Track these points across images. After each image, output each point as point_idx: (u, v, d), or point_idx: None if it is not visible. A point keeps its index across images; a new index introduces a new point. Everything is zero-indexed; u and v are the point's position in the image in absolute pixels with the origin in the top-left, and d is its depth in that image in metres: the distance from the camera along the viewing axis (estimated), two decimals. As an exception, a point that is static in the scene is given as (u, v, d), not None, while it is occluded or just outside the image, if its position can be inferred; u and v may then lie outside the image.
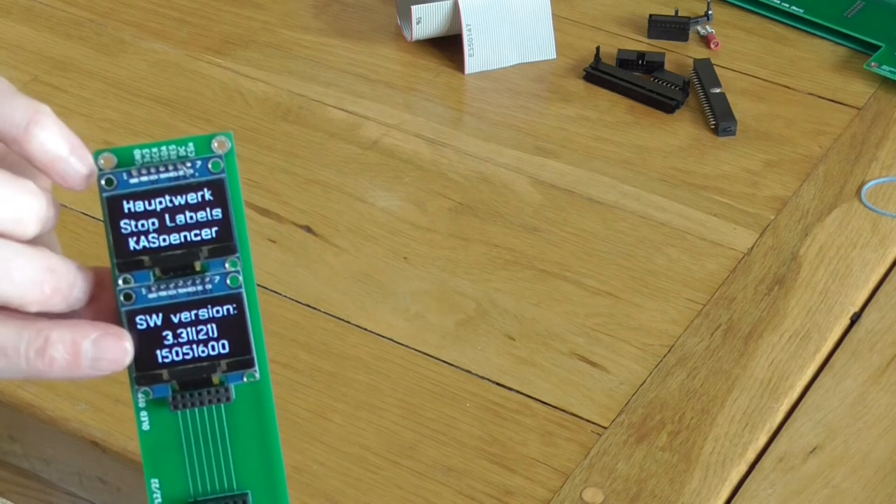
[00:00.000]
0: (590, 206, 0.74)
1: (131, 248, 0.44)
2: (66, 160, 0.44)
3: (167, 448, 0.46)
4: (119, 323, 0.45)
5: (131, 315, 0.45)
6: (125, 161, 0.45)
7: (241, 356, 0.45)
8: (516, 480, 0.60)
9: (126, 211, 0.44)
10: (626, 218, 0.73)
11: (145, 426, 0.46)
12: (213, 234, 0.45)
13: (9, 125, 0.44)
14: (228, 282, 0.45)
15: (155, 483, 0.46)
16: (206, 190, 0.45)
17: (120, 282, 0.45)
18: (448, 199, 0.74)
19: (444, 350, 0.66)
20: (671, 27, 0.85)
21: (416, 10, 0.82)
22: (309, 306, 0.68)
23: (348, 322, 0.67)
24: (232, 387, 0.45)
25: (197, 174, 0.45)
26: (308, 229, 0.72)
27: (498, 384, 0.64)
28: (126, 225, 0.44)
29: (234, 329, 0.45)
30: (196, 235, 0.45)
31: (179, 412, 0.45)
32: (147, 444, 0.46)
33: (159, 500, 0.46)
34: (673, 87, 0.80)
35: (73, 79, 0.82)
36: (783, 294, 0.68)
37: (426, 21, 0.83)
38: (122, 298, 0.45)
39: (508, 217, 0.73)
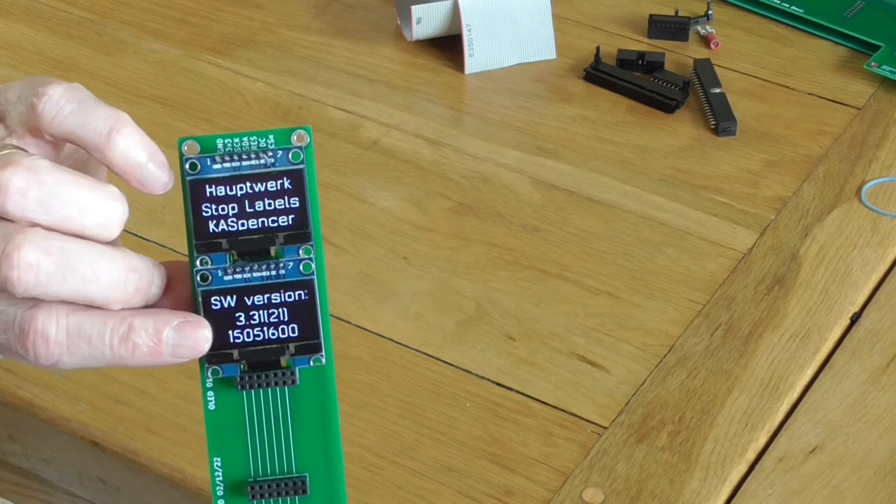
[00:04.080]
0: (590, 206, 0.74)
1: (210, 230, 0.46)
2: (145, 167, 0.46)
3: (231, 428, 0.47)
4: (193, 307, 0.46)
5: (207, 296, 0.46)
6: (207, 149, 0.46)
7: (309, 340, 0.47)
8: (516, 480, 0.60)
9: (208, 195, 0.46)
10: (626, 218, 0.73)
11: (211, 405, 0.47)
12: (290, 222, 0.46)
13: (91, 133, 0.46)
14: (302, 268, 0.46)
15: (217, 462, 0.47)
16: (285, 179, 0.46)
17: (197, 263, 0.46)
18: (448, 199, 0.74)
19: (444, 350, 0.66)
20: (671, 27, 0.85)
21: (416, 10, 0.82)
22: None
23: (348, 322, 0.67)
24: (298, 370, 0.47)
25: (277, 163, 0.46)
26: (308, 229, 0.72)
27: (498, 384, 0.64)
28: (207, 208, 0.46)
29: (305, 314, 0.47)
30: (273, 222, 0.46)
31: (245, 392, 0.47)
32: (212, 423, 0.47)
33: (221, 478, 0.47)
34: (673, 87, 0.80)
35: (73, 79, 0.81)
36: (783, 294, 0.68)
37: (426, 21, 0.83)
38: (198, 279, 0.46)
39: (508, 217, 0.73)
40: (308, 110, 0.80)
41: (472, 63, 0.82)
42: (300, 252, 0.46)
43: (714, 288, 0.69)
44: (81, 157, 0.49)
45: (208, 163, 0.46)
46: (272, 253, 0.46)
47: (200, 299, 0.46)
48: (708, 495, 0.59)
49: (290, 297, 0.46)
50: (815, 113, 0.80)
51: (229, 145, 0.46)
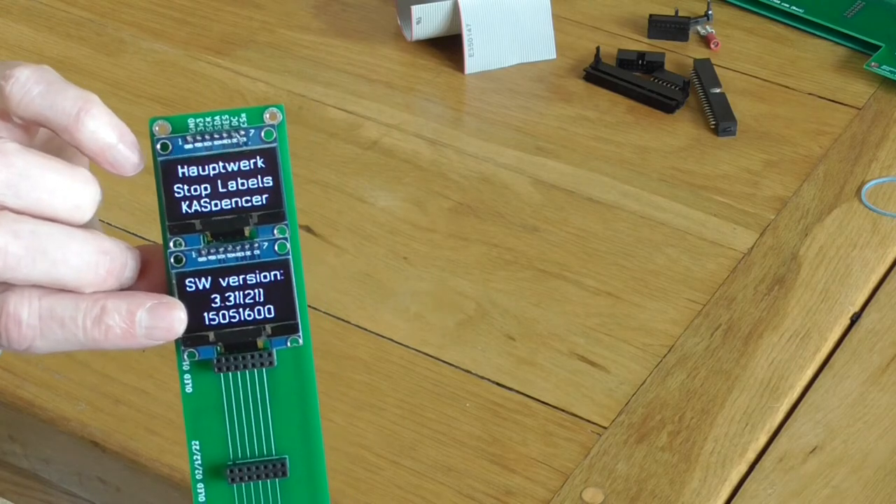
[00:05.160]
0: (590, 206, 0.74)
1: (183, 211, 0.45)
2: (115, 147, 0.46)
3: (209, 411, 0.46)
4: (168, 289, 0.46)
5: (181, 278, 0.46)
6: (179, 129, 0.45)
7: (286, 321, 0.46)
8: (516, 480, 0.60)
9: (180, 175, 0.45)
10: (626, 218, 0.73)
11: (188, 388, 0.46)
12: (264, 201, 0.46)
13: (59, 114, 0.46)
14: (276, 248, 0.46)
15: (196, 445, 0.47)
16: (258, 158, 0.46)
17: (171, 244, 0.46)
18: (448, 199, 0.74)
19: (444, 350, 0.66)
20: (671, 27, 0.85)
21: (416, 10, 0.82)
22: (309, 306, 0.68)
23: (348, 322, 0.67)
24: (275, 352, 0.46)
25: (250, 142, 0.46)
26: (308, 229, 0.72)
27: (498, 384, 0.64)
28: (179, 189, 0.45)
29: (281, 294, 0.46)
30: (247, 202, 0.46)
31: (222, 375, 0.46)
32: (189, 407, 0.46)
33: (199, 461, 0.47)
34: (673, 87, 0.80)
35: (72, 79, 0.81)
36: (783, 294, 0.68)
37: (426, 21, 0.83)
38: (172, 261, 0.46)
39: (508, 217, 0.73)
40: (308, 110, 0.80)
41: (472, 63, 0.82)
42: (275, 232, 0.46)
43: (714, 288, 0.69)
44: (58, 144, 0.48)
45: (180, 143, 0.46)
46: (246, 233, 0.46)
47: (175, 281, 0.46)
48: (708, 495, 0.59)
49: (265, 277, 0.46)
50: (815, 113, 0.80)
51: (201, 124, 0.46)
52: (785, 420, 0.62)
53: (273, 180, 0.46)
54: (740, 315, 0.67)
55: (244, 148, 0.46)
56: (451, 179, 0.75)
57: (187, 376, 0.46)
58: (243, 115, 0.46)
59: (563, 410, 0.63)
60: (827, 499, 0.59)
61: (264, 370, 0.46)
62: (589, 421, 0.63)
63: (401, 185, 0.75)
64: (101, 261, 0.45)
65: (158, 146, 0.45)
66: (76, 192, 0.45)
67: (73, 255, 0.45)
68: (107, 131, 0.46)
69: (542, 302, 0.68)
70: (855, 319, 0.67)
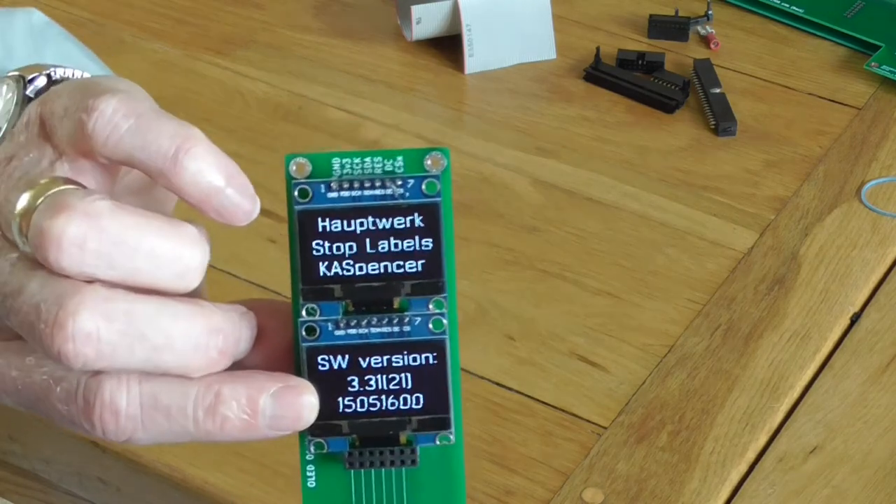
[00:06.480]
0: (590, 206, 0.74)
1: (321, 273, 0.38)
2: (223, 193, 0.39)
3: None
4: (294, 367, 0.39)
5: (312, 353, 0.39)
6: (321, 171, 0.39)
7: (436, 414, 0.39)
8: (516, 480, 0.60)
9: (320, 230, 0.38)
10: (626, 218, 0.73)
11: (311, 483, 0.40)
12: (419, 268, 0.39)
13: (154, 155, 0.38)
14: (431, 325, 0.39)
15: None
16: (416, 215, 0.39)
17: (303, 313, 0.39)
18: (448, 199, 0.74)
19: (444, 350, 0.66)
20: (671, 27, 0.85)
21: (416, 10, 0.82)
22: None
23: (348, 322, 0.67)
24: (419, 449, 0.40)
25: (408, 195, 0.39)
26: (308, 229, 0.72)
27: (498, 384, 0.64)
28: (318, 246, 0.38)
29: (432, 381, 0.39)
30: (399, 267, 0.39)
31: (354, 472, 0.40)
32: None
33: None
34: (673, 87, 0.80)
35: (73, 79, 0.82)
36: (783, 294, 0.68)
37: (426, 21, 0.83)
38: (303, 332, 0.39)
39: (508, 217, 0.73)
40: (308, 110, 0.80)
41: (472, 63, 0.82)
42: (430, 306, 0.39)
43: (714, 288, 0.69)
44: (145, 180, 0.42)
45: (322, 189, 0.38)
46: (395, 305, 0.39)
47: (305, 357, 0.39)
48: (708, 495, 0.59)
49: (415, 360, 0.39)
50: (815, 113, 0.80)
51: (347, 167, 0.38)
52: (785, 420, 0.62)
53: (433, 243, 0.39)
54: (740, 315, 0.67)
55: (400, 202, 0.38)
56: (451, 179, 0.75)
57: (310, 468, 0.40)
58: (399, 158, 0.39)
59: (563, 410, 0.63)
60: (827, 499, 0.59)
61: (404, 470, 0.40)
62: (589, 421, 0.63)
63: (401, 185, 0.75)
64: (213, 341, 0.38)
65: (297, 192, 0.38)
66: (181, 257, 0.38)
67: (179, 338, 0.37)
68: (212, 173, 0.38)
69: (542, 302, 0.68)
70: (855, 319, 0.67)
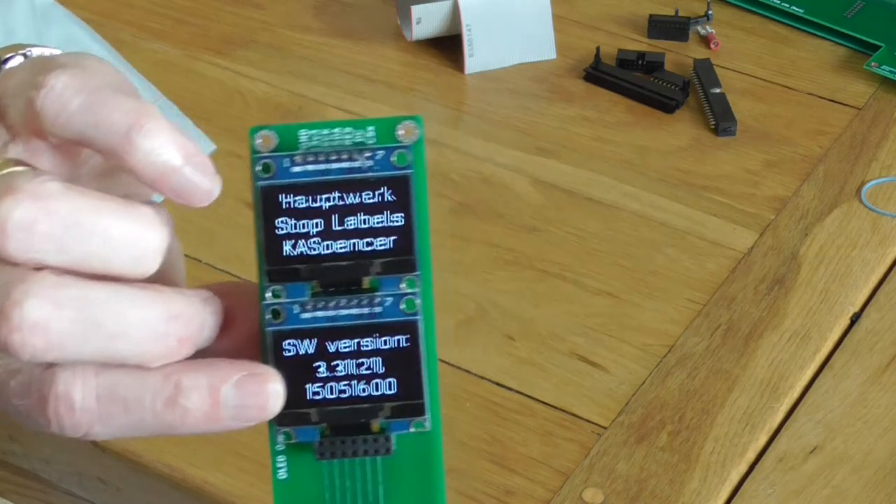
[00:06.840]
0: (590, 206, 0.74)
1: (286, 253, 0.36)
2: (179, 172, 0.36)
3: (306, 503, 0.38)
4: (261, 351, 0.37)
5: (278, 338, 0.37)
6: (287, 143, 0.37)
7: (409, 400, 0.37)
8: (516, 480, 0.60)
9: (284, 206, 0.37)
10: (626, 218, 0.73)
11: (282, 474, 0.38)
12: (390, 245, 0.37)
13: (105, 134, 0.36)
14: (403, 306, 0.37)
15: None
16: (385, 188, 0.37)
17: (268, 295, 0.37)
18: (448, 199, 0.74)
19: (444, 350, 0.66)
20: (671, 27, 0.85)
21: (416, 10, 0.82)
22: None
23: (348, 322, 0.67)
24: (393, 437, 0.38)
25: (377, 167, 0.37)
26: (308, 229, 0.72)
27: (498, 384, 0.64)
28: (282, 224, 0.37)
29: (405, 365, 0.37)
30: (368, 244, 0.37)
31: (326, 462, 0.38)
32: (282, 496, 0.38)
33: None
34: (673, 87, 0.80)
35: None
36: (783, 294, 0.68)
37: (426, 21, 0.83)
38: (268, 316, 0.37)
39: (508, 217, 0.73)
40: (308, 110, 0.80)
41: (472, 63, 0.82)
42: (402, 284, 0.37)
43: (714, 288, 0.69)
44: (113, 167, 0.39)
45: (286, 164, 0.36)
46: (365, 284, 0.37)
47: (270, 343, 0.37)
48: (708, 495, 0.59)
49: (386, 342, 0.37)
50: (815, 113, 0.80)
51: (316, 139, 0.36)
52: (785, 420, 0.62)
53: (404, 218, 0.37)
54: (740, 315, 0.67)
55: (369, 175, 0.37)
56: (451, 179, 0.75)
57: (281, 458, 0.38)
58: (370, 128, 0.37)
59: (563, 410, 0.63)
60: (827, 499, 0.59)
61: (378, 459, 0.38)
62: (589, 421, 0.63)
63: (401, 185, 0.75)
64: (172, 328, 0.36)
65: (259, 167, 0.37)
66: (138, 241, 0.35)
67: (136, 326, 0.35)
68: (168, 151, 0.36)
69: (542, 302, 0.68)
70: (855, 319, 0.67)
